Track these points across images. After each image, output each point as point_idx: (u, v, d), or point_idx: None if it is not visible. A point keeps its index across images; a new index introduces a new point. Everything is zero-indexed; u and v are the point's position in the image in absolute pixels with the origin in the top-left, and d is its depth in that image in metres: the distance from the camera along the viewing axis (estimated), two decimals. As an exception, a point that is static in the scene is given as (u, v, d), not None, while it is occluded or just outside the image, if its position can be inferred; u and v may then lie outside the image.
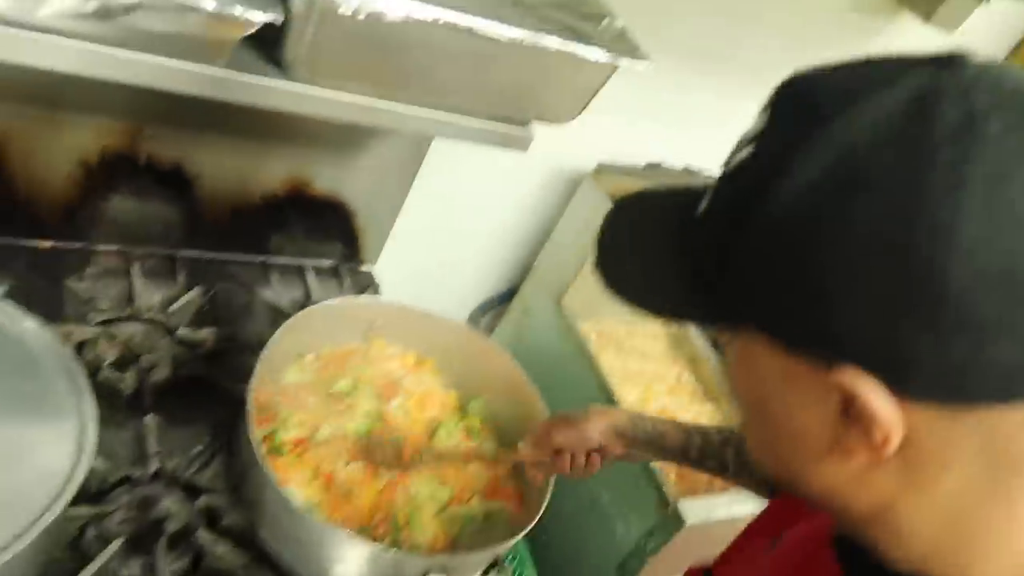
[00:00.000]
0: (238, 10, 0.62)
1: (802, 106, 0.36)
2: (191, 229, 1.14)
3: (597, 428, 0.85)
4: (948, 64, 0.33)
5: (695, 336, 1.62)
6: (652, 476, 1.27)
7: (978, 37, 1.62)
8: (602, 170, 1.49)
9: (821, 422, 0.36)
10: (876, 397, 0.33)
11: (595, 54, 0.82)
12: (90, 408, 0.76)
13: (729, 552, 0.59)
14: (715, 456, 0.80)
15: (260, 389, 0.91)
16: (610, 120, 1.50)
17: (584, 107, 0.94)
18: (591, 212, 1.49)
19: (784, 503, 0.55)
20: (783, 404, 0.38)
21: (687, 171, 1.60)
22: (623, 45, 0.86)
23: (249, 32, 0.65)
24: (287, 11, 0.66)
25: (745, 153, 0.38)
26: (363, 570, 0.83)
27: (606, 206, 1.42)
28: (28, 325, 0.80)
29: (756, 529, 0.57)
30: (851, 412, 0.34)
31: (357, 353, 1.06)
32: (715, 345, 1.62)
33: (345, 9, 0.65)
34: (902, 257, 0.31)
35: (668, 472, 1.33)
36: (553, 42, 0.78)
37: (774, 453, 0.42)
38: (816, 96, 0.36)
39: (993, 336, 0.31)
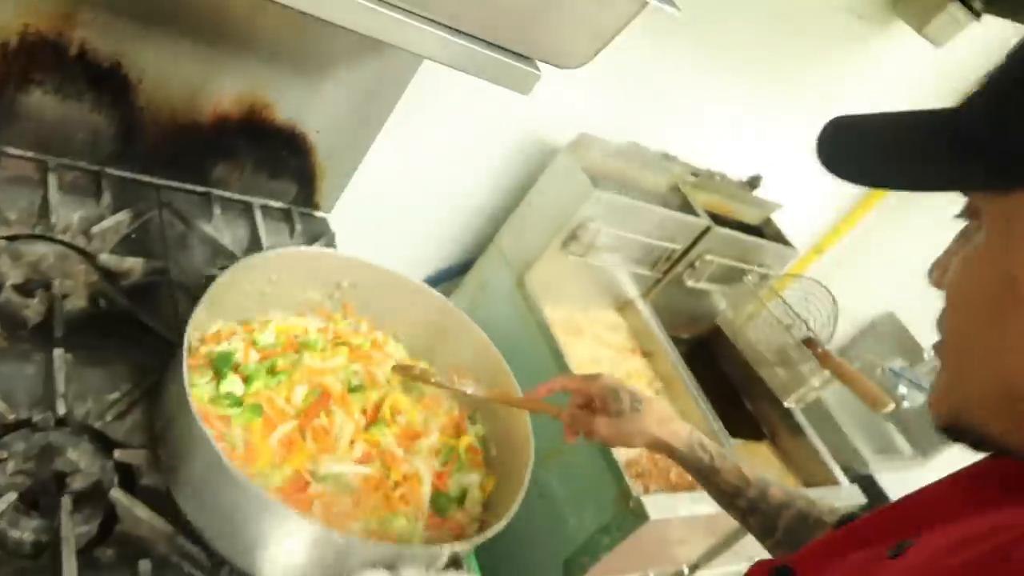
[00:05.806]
0: None
1: None
2: (124, 143, 0.97)
3: (644, 437, 0.79)
4: None
5: (656, 327, 1.56)
6: (613, 466, 1.18)
7: (967, 52, 1.61)
8: (580, 142, 1.39)
9: None
10: None
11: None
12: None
13: (817, 553, 0.50)
14: (765, 514, 0.74)
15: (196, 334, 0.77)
16: (591, 93, 1.42)
17: (597, 52, 0.84)
18: (565, 186, 1.39)
19: (926, 500, 0.46)
20: None
21: (665, 156, 1.52)
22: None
23: None
24: None
25: None
26: (297, 553, 0.70)
27: (582, 181, 1.35)
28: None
29: (861, 529, 0.48)
30: None
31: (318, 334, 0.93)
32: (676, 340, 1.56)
33: None
34: None
35: (629, 465, 1.25)
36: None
37: (990, 360, 0.38)
38: None
39: None
